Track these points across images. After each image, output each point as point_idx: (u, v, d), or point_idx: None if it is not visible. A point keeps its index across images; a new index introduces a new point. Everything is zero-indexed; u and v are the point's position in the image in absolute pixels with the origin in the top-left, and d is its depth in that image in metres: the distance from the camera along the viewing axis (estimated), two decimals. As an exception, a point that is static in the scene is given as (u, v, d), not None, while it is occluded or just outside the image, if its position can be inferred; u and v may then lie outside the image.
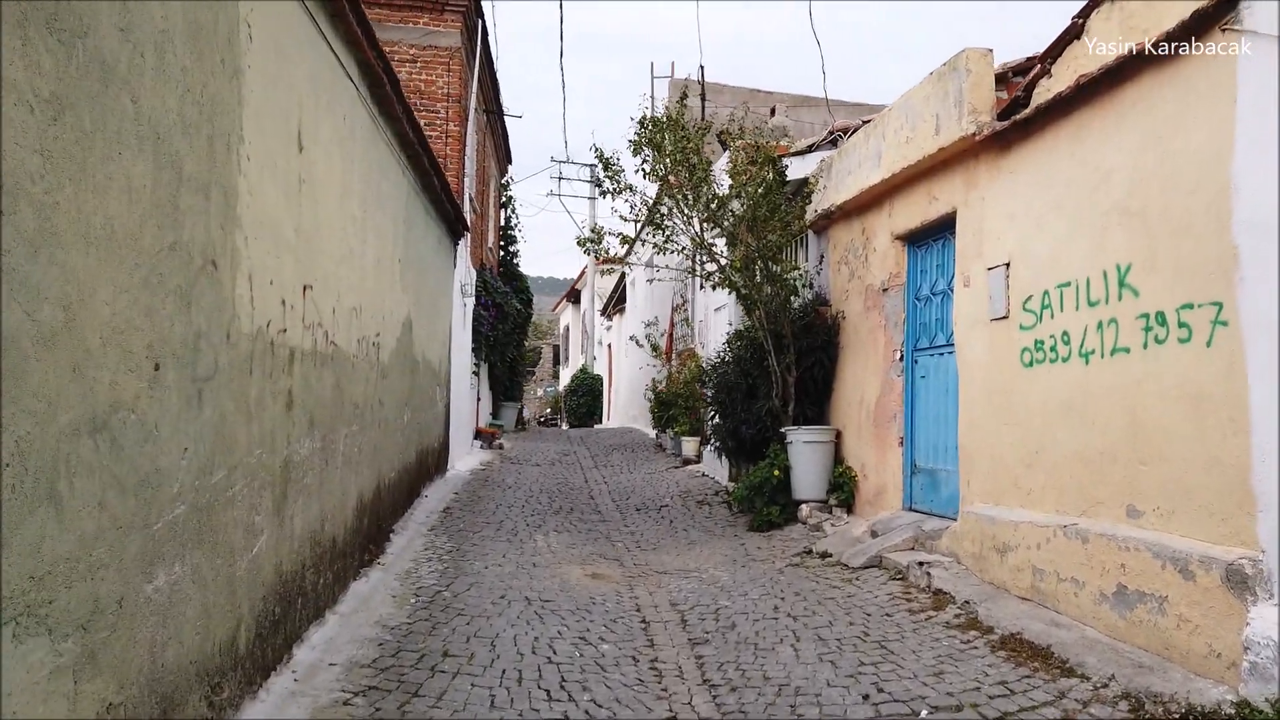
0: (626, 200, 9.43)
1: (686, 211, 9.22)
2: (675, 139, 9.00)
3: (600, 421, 29.94)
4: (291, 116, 4.61)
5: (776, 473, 8.81)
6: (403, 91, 6.96)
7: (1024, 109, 5.90)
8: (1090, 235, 5.33)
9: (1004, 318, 6.24)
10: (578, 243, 9.64)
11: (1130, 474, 4.94)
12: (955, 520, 6.74)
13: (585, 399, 30.35)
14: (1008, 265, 6.21)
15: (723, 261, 9.30)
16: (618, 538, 8.77)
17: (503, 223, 20.98)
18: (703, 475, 12.79)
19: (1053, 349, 5.68)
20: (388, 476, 7.70)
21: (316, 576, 5.21)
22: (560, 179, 31.21)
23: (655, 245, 9.64)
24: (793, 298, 9.45)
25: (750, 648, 5.36)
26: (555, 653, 5.20)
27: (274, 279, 4.29)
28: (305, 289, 4.84)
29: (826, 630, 5.57)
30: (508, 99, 21.63)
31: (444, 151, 12.48)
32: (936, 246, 7.54)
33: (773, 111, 15.69)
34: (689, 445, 14.07)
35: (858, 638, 5.41)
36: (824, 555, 7.55)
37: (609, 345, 30.73)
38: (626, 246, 12.13)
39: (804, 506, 8.81)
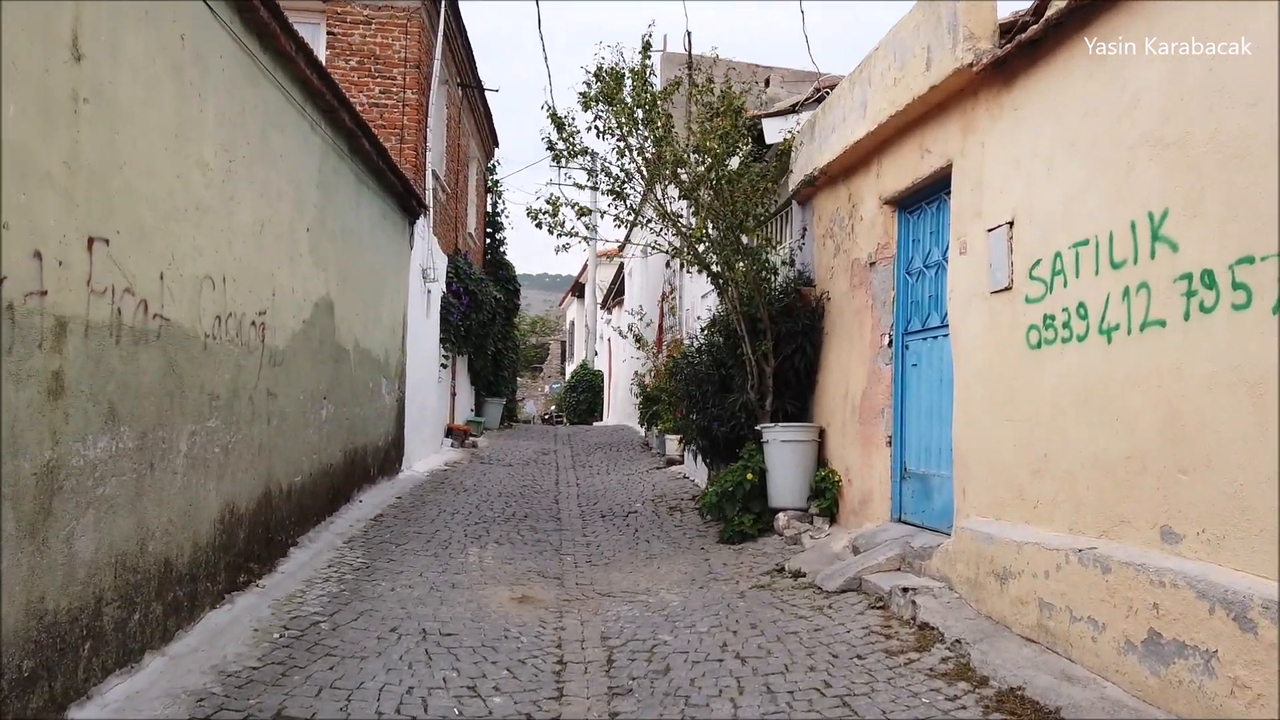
0: (582, 166, 8.31)
1: (646, 174, 8.10)
2: (636, 92, 7.87)
3: (601, 418, 28.85)
4: (60, 13, 3.51)
5: (750, 476, 7.67)
6: (291, 25, 5.86)
7: (1032, 27, 4.73)
8: (1113, 178, 4.16)
9: (1006, 289, 5.07)
10: (527, 214, 8.53)
11: (1166, 485, 3.78)
12: (949, 536, 5.59)
13: (585, 395, 29.28)
14: (1011, 224, 5.04)
15: (687, 233, 8.17)
16: (569, 550, 7.66)
17: (489, 209, 19.90)
18: (683, 478, 11.66)
19: (1066, 325, 4.51)
20: (288, 481, 6.62)
21: (127, 611, 4.12)
22: (559, 166, 30.09)
23: (617, 218, 8.52)
24: (771, 277, 8.31)
25: (680, 702, 4.23)
26: (427, 711, 4.09)
27: (11, 222, 3.20)
28: (92, 242, 3.75)
29: (779, 679, 4.43)
30: (509, 93, 20.57)
31: (400, 121, 11.41)
32: (930, 210, 6.38)
33: (767, 82, 14.50)
34: (673, 444, 12.93)
35: (815, 689, 4.26)
36: (797, 574, 6.41)
37: (609, 340, 29.62)
38: (625, 229, 11.02)
39: (781, 515, 7.66)
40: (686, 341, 13.18)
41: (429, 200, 12.16)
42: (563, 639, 5.26)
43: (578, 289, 36.07)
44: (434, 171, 12.61)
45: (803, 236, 8.45)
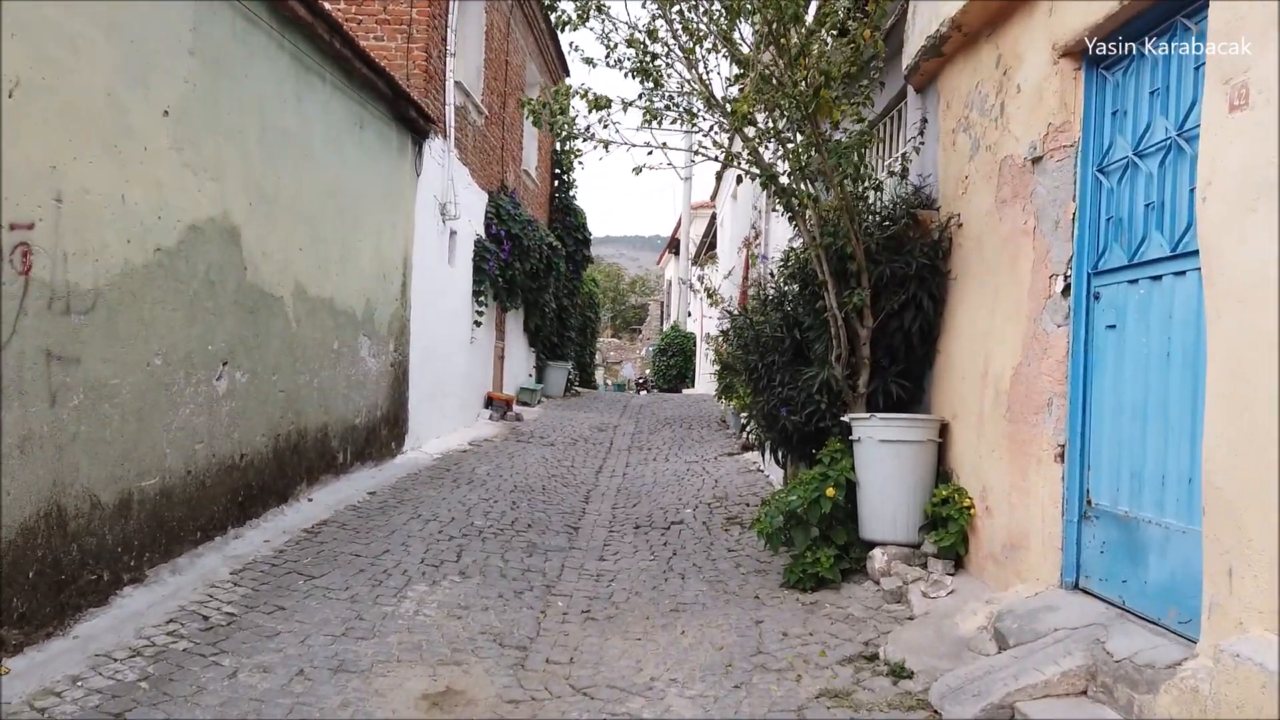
0: (591, 28, 5.78)
1: (684, 38, 5.55)
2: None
3: (692, 385, 26.39)
4: None
5: (831, 492, 5.08)
6: None
7: None
8: None
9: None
10: (521, 104, 6.09)
11: None
12: (1192, 647, 2.96)
13: (675, 360, 26.87)
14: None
15: (729, 106, 5.57)
16: (564, 589, 5.28)
17: (556, 147, 17.49)
18: (756, 469, 9.12)
19: None
20: (121, 489, 4.41)
21: None
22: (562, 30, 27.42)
23: (647, 112, 5.97)
24: (870, 193, 5.67)
25: None
26: None
27: None
28: None
29: None
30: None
31: (407, 14, 9.06)
32: (1150, 58, 3.63)
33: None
34: (749, 426, 10.39)
35: None
36: (896, 671, 3.86)
37: (701, 298, 27.04)
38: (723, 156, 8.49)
39: (878, 553, 5.08)
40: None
41: (448, 116, 9.83)
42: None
43: (673, 245, 33.49)
44: (459, 84, 10.26)
45: (920, 134, 5.72)
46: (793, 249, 6.15)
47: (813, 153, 5.29)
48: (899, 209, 5.49)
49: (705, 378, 23.61)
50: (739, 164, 5.94)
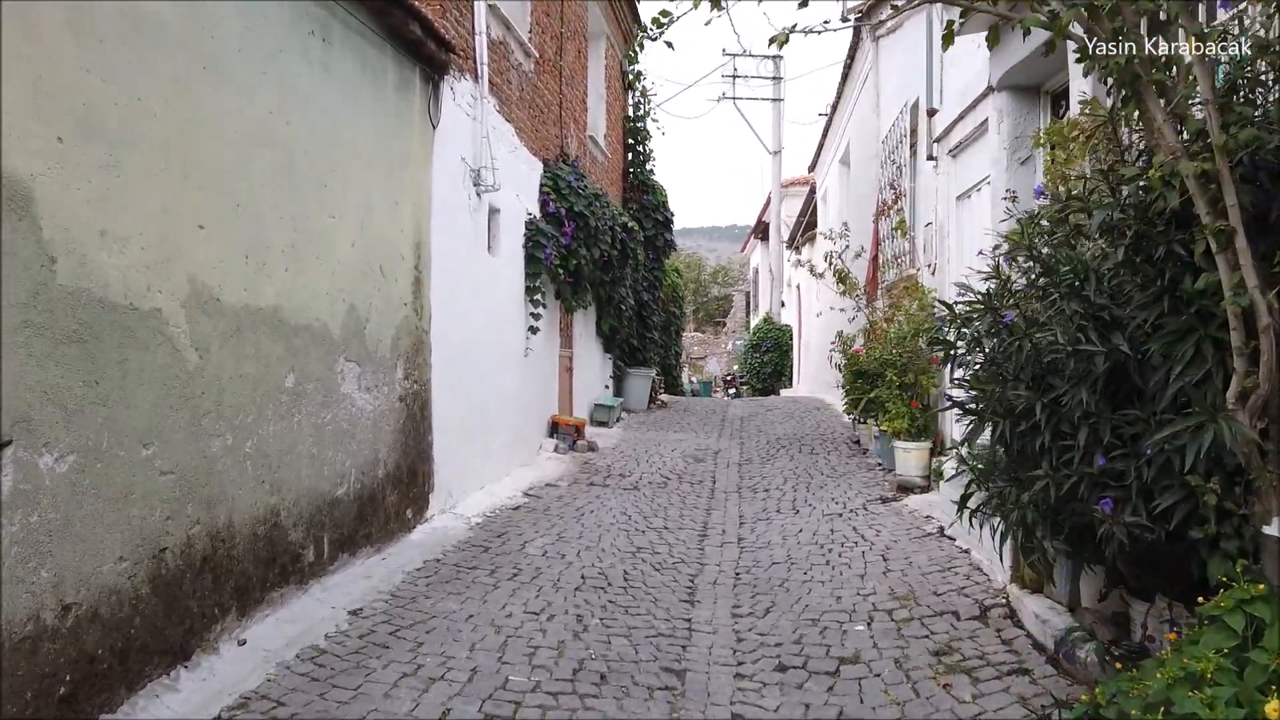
0: None
1: None
2: None
3: (790, 385, 23.42)
4: None
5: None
6: None
7: None
8: None
9: None
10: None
11: None
12: None
13: (770, 356, 23.91)
14: None
15: None
16: None
17: (630, 112, 14.76)
18: (936, 531, 6.20)
19: None
20: None
21: None
22: (734, 77, 24.49)
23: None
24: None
25: None
26: None
27: None
28: None
29: None
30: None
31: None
32: None
33: None
34: (911, 458, 7.50)
35: None
36: None
37: (797, 286, 24.00)
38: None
39: None
40: (930, 280, 7.66)
41: (479, 49, 7.16)
42: None
43: (760, 229, 30.46)
44: (494, 8, 7.59)
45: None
46: (1115, 174, 3.20)
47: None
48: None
49: (807, 377, 20.67)
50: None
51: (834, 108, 15.36)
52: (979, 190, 6.80)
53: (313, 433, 4.72)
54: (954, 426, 7.39)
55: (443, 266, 6.54)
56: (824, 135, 17.47)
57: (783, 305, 25.20)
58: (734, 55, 24.37)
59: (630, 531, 6.47)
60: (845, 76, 13.73)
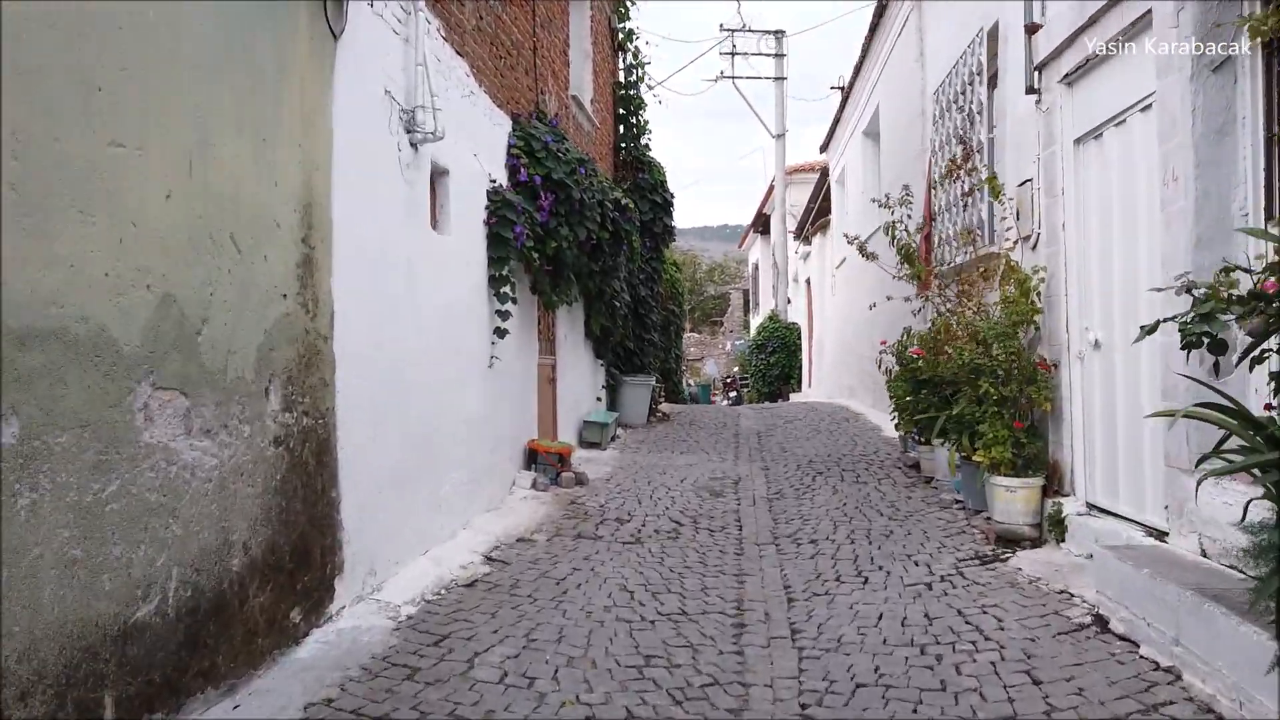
0: None
1: None
2: None
3: (800, 388, 21.37)
4: None
5: None
6: None
7: None
8: None
9: None
10: None
11: None
12: None
13: (778, 357, 21.88)
14: None
15: None
16: None
17: (620, 77, 12.70)
18: (1095, 624, 4.07)
19: None
20: None
21: None
22: (733, 54, 22.42)
23: None
24: None
25: None
26: None
27: None
28: None
29: None
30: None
31: None
32: None
33: None
34: (1017, 499, 5.45)
35: None
36: None
37: (807, 281, 21.97)
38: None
39: None
40: (1026, 257, 5.65)
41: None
42: None
43: (760, 222, 28.39)
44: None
45: None
46: None
47: None
48: None
49: (823, 380, 18.63)
50: None
51: (856, 72, 13.33)
52: (1121, 123, 4.77)
53: (72, 520, 2.66)
54: (1075, 455, 5.36)
55: (355, 242, 4.49)
56: (840, 109, 15.45)
57: (789, 302, 23.15)
58: (733, 31, 22.34)
59: (633, 623, 4.42)
60: (873, 29, 11.69)
